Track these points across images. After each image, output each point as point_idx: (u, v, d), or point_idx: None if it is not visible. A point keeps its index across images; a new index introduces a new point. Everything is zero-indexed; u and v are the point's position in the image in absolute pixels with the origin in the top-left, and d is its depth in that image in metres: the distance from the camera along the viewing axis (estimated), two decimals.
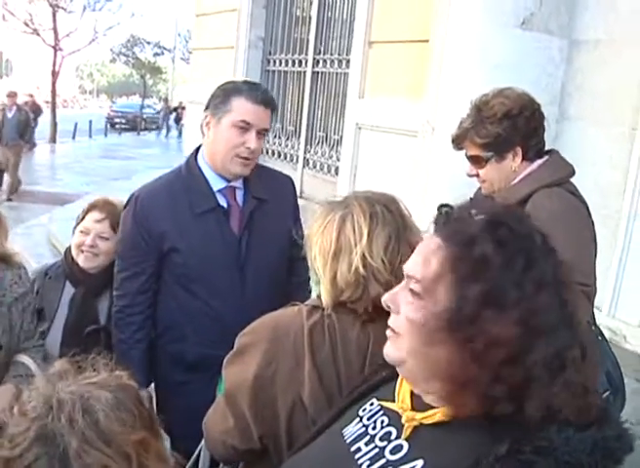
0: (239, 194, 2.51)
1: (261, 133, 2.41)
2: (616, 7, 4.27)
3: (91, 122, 27.65)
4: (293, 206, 2.69)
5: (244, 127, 2.37)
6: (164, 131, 34.24)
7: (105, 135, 28.86)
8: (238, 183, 2.50)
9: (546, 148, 2.37)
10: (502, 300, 1.03)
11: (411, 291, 1.13)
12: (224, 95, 2.41)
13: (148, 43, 44.65)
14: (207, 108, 2.48)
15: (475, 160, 2.29)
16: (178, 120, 33.06)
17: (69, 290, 2.72)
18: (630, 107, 4.16)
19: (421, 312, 1.11)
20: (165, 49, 45.02)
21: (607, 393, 2.18)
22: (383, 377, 1.34)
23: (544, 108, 4.38)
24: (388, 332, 1.20)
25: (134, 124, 33.82)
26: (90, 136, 27.09)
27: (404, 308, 1.15)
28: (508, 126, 2.21)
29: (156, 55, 45.77)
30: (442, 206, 1.20)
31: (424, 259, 1.13)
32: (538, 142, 2.29)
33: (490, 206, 1.20)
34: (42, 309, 2.65)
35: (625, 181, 4.15)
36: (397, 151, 5.45)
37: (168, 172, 2.66)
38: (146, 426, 1.11)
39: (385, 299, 1.19)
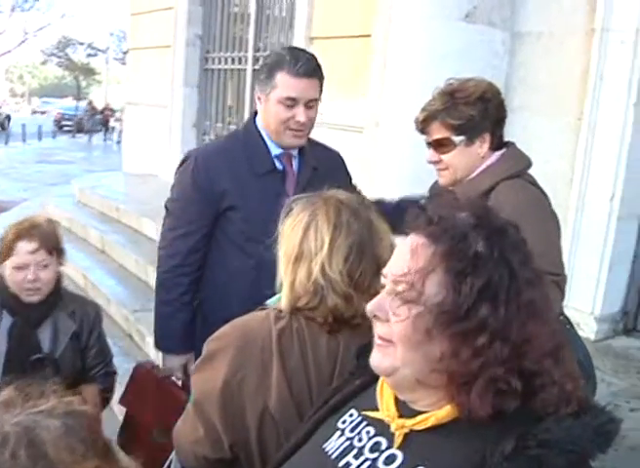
0: (295, 161, 2.56)
1: (311, 103, 2.42)
2: (557, 0, 4.31)
3: (40, 127, 27.17)
4: (345, 178, 2.75)
5: (290, 102, 2.39)
6: (100, 134, 32.73)
7: (40, 138, 28.14)
8: (294, 151, 2.55)
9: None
10: (500, 294, 1.03)
11: (397, 294, 1.10)
12: (268, 69, 2.42)
13: (81, 44, 43.97)
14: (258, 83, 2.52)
15: (442, 143, 2.22)
16: (104, 123, 32.06)
17: (7, 317, 2.56)
18: (574, 98, 4.20)
19: (414, 311, 1.08)
20: (98, 50, 44.34)
21: (582, 381, 2.18)
22: (358, 386, 1.30)
23: None
24: (377, 341, 1.15)
25: (80, 126, 33.06)
26: (24, 141, 26.36)
27: (394, 314, 1.11)
28: (482, 109, 2.18)
29: (89, 55, 45.11)
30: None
31: (411, 258, 1.10)
32: (501, 133, 2.27)
33: (468, 203, 1.17)
34: None
35: (572, 171, 4.19)
36: (344, 147, 5.36)
37: (224, 136, 2.81)
38: (100, 454, 1.03)
39: (371, 309, 1.15)
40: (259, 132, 2.52)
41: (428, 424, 1.08)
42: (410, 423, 1.10)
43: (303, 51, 2.56)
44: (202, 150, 2.66)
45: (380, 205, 2.73)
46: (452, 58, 4.24)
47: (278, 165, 2.52)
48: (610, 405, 1.11)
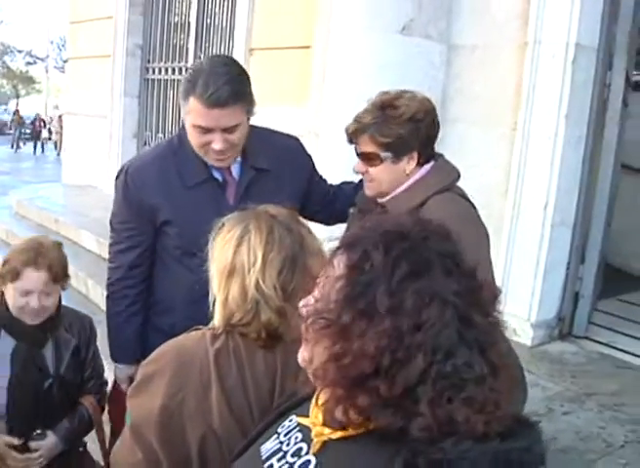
0: (235, 167, 2.41)
1: (229, 129, 2.23)
2: (490, 13, 4.41)
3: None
4: (303, 167, 2.61)
5: (203, 129, 2.23)
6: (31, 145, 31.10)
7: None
8: None
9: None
10: (373, 309, 1.01)
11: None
12: (183, 90, 2.24)
13: (19, 51, 43.08)
14: None
15: (369, 157, 2.22)
16: (36, 134, 30.52)
17: (6, 341, 2.47)
18: (509, 108, 4.31)
19: (312, 308, 1.11)
20: (37, 58, 43.53)
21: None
22: (308, 394, 1.31)
23: None
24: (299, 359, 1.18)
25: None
26: None
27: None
28: (412, 129, 2.17)
29: (28, 63, 44.21)
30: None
31: (329, 262, 1.12)
32: (432, 149, 2.29)
33: (395, 219, 1.17)
34: None
35: (508, 180, 4.29)
36: None
37: (161, 142, 2.61)
38: None
39: (300, 305, 1.17)
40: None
41: (340, 434, 1.09)
42: (327, 431, 1.11)
43: (224, 67, 2.27)
44: (133, 162, 2.52)
45: (343, 187, 2.75)
46: (390, 70, 4.31)
47: (216, 174, 2.40)
48: (542, 413, 1.11)
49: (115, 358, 2.61)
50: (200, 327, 1.68)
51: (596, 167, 4.38)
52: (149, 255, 2.48)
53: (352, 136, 2.25)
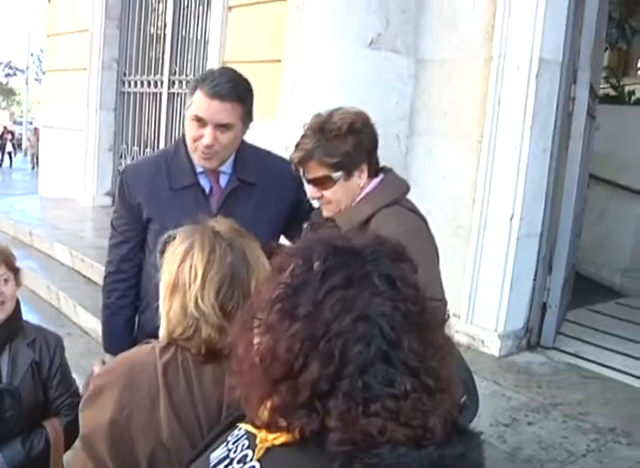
0: (223, 177, 2.51)
1: (221, 127, 2.34)
2: (457, 29, 4.46)
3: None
4: (289, 191, 2.64)
5: (199, 121, 2.34)
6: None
7: None
8: (224, 168, 2.51)
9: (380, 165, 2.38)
10: (295, 312, 1.05)
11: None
12: (192, 88, 2.38)
13: None
14: None
15: (321, 181, 2.24)
16: (3, 146, 29.19)
17: None
18: (475, 122, 4.36)
19: (249, 307, 1.16)
20: (17, 69, 43.35)
21: (464, 398, 2.23)
22: None
23: (396, 125, 4.60)
24: None
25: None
26: None
27: None
28: (355, 141, 2.19)
29: (8, 75, 44.00)
30: None
31: (274, 269, 1.16)
32: (377, 159, 2.31)
33: (351, 236, 1.20)
34: None
35: (474, 193, 4.33)
36: None
37: (162, 148, 2.79)
38: None
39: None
40: (186, 147, 2.50)
41: (283, 440, 1.11)
42: (271, 437, 1.13)
43: (231, 73, 2.42)
44: (132, 163, 2.74)
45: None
46: (358, 83, 4.37)
47: (203, 181, 2.50)
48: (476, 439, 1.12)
49: (105, 348, 2.73)
50: (151, 340, 1.69)
51: (562, 178, 4.44)
52: (139, 251, 2.61)
53: (299, 165, 2.27)
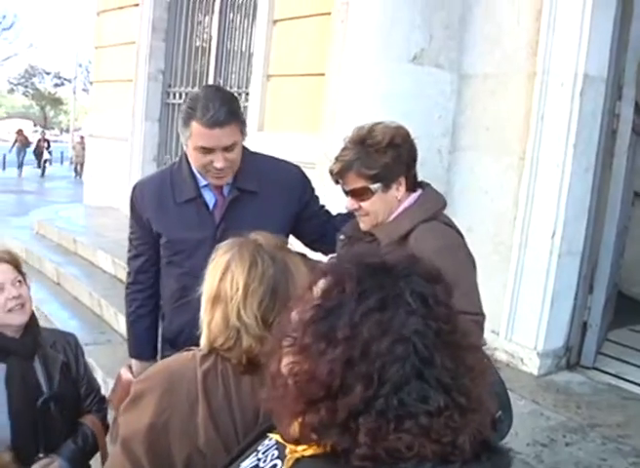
0: (227, 189, 2.60)
1: (230, 148, 2.44)
2: (501, 44, 4.45)
3: (5, 155, 26.17)
4: (297, 194, 2.73)
5: (205, 149, 2.42)
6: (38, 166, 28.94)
7: (4, 168, 27.57)
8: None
9: (420, 180, 2.41)
10: (333, 335, 1.06)
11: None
12: (183, 118, 2.46)
13: (48, 73, 43.79)
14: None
15: (360, 192, 2.27)
16: (39, 154, 28.88)
17: None
18: (517, 138, 4.33)
19: (284, 326, 1.17)
20: (65, 79, 44.25)
21: (499, 413, 2.23)
22: None
23: (438, 140, 4.60)
24: None
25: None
26: None
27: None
28: (394, 155, 2.23)
29: (56, 85, 44.93)
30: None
31: (309, 287, 1.17)
32: (415, 173, 2.34)
33: (384, 252, 1.21)
34: None
35: (516, 210, 4.30)
36: None
37: (167, 165, 2.89)
38: None
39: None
40: (189, 163, 2.57)
41: (312, 452, 1.13)
42: (300, 449, 1.15)
43: (218, 93, 2.49)
44: (142, 179, 2.84)
45: (337, 218, 2.80)
46: (401, 98, 4.37)
47: (207, 194, 2.58)
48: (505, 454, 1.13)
49: (130, 354, 2.86)
50: (192, 348, 1.73)
51: (605, 196, 4.38)
52: (154, 263, 2.72)
53: (338, 176, 2.31)
